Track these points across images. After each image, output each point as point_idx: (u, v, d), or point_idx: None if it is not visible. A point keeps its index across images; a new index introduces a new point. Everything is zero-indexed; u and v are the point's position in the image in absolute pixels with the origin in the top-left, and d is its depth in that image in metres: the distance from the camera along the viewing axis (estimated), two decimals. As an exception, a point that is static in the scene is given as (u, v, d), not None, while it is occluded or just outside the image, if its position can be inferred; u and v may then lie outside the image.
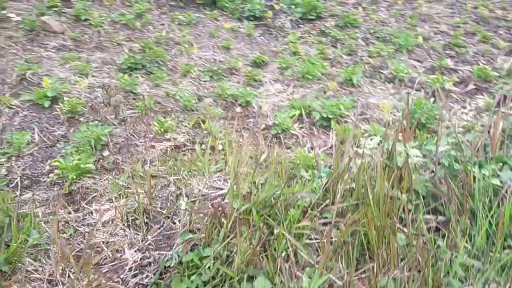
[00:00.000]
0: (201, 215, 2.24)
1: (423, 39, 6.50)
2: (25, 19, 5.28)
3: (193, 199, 2.42)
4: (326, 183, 2.36)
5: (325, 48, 6.06)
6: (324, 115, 3.75)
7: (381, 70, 5.49)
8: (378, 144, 2.54)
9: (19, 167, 2.87)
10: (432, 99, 4.63)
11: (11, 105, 3.49)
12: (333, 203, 2.32)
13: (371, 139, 2.63)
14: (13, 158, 2.93)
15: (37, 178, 2.81)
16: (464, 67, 5.67)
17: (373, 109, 4.52)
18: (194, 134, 3.44)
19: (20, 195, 2.67)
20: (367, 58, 5.84)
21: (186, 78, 4.83)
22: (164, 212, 2.40)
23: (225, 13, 7.19)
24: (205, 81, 4.78)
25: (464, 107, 4.57)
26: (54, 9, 5.85)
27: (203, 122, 3.65)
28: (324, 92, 4.81)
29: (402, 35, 6.36)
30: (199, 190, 2.47)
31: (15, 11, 5.52)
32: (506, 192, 2.23)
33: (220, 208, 2.10)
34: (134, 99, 3.97)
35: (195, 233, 2.18)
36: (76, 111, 3.49)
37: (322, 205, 2.30)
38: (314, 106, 3.96)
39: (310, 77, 4.91)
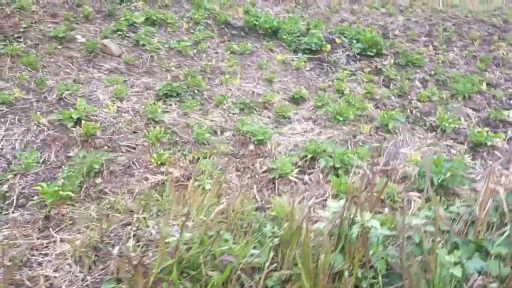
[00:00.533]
0: (127, 265, 2.17)
1: (487, 85, 5.95)
2: (89, 40, 5.77)
3: (139, 243, 2.43)
4: (278, 245, 2.24)
5: (374, 88, 5.81)
6: (331, 163, 3.57)
7: (426, 117, 5.12)
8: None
9: (20, 185, 3.13)
10: (468, 156, 4.20)
11: (39, 123, 3.82)
12: (281, 268, 2.19)
13: (339, 200, 2.45)
14: (18, 176, 3.20)
15: (31, 199, 3.03)
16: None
17: (402, 159, 4.22)
18: (192, 169, 3.47)
19: (13, 212, 2.90)
20: (416, 102, 5.49)
21: (218, 109, 4.92)
22: (114, 252, 2.44)
23: (282, 44, 7.23)
24: (234, 114, 4.83)
25: (508, 168, 4.07)
26: (119, 32, 6.32)
27: (208, 157, 3.68)
28: (354, 136, 4.60)
29: (463, 79, 5.88)
30: (151, 234, 2.48)
31: (82, 32, 6.06)
32: (472, 286, 1.93)
33: (140, 264, 2.02)
34: (154, 127, 4.13)
35: (121, 282, 2.17)
36: (92, 134, 3.72)
37: (268, 269, 2.17)
38: (329, 151, 3.79)
39: (341, 118, 4.73)
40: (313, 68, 6.54)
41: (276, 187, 3.39)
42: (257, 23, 7.63)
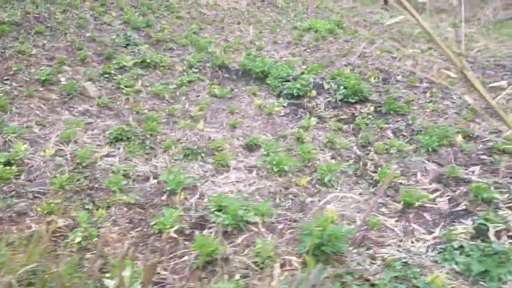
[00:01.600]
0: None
1: (466, 137, 5.57)
2: (69, 83, 6.22)
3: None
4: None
5: (338, 136, 5.67)
6: (221, 220, 3.52)
7: (374, 171, 4.89)
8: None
9: None
10: (396, 217, 3.95)
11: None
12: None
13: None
14: None
15: None
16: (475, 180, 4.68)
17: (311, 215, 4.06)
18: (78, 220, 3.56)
19: None
20: (373, 154, 5.27)
21: (164, 154, 5.06)
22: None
23: (268, 89, 7.29)
24: (177, 160, 4.94)
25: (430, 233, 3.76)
26: (106, 75, 6.76)
27: (106, 208, 3.79)
28: (287, 188, 4.50)
29: (434, 131, 5.56)
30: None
31: (68, 75, 6.54)
32: None
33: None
34: (80, 172, 4.34)
35: None
36: (6, 179, 3.98)
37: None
38: (228, 205, 3.73)
39: (277, 169, 4.66)
40: (288, 113, 6.51)
41: (149, 245, 3.40)
42: (250, 66, 7.79)
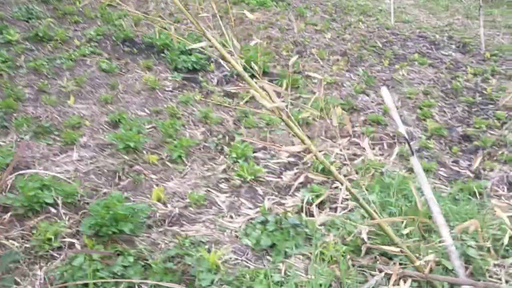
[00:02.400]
0: None
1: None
2: None
3: None
4: None
5: (216, 112, 5.39)
6: None
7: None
8: None
9: None
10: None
11: None
12: None
13: None
14: None
15: None
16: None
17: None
18: None
19: None
20: (243, 129, 5.00)
21: (14, 133, 4.70)
22: None
23: (165, 63, 6.94)
24: (22, 139, 4.60)
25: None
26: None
27: None
28: (131, 166, 4.22)
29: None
30: None
31: None
32: None
33: None
34: None
35: None
36: None
37: None
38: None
39: (122, 146, 4.36)
40: (177, 88, 6.18)
41: None
42: (153, 40, 7.42)
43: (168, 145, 4.57)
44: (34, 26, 7.54)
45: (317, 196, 3.40)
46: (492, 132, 5.33)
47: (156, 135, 4.81)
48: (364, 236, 2.31)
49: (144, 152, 4.48)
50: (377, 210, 2.34)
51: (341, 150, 4.08)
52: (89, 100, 5.63)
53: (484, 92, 6.56)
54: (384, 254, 2.78)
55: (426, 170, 4.14)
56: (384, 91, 3.07)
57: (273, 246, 2.87)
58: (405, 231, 2.60)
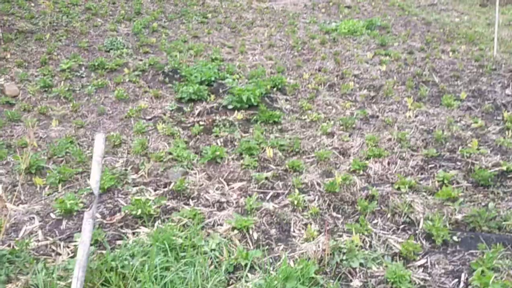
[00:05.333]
0: None
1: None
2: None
3: None
4: None
5: (167, 141, 5.34)
6: None
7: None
8: None
9: None
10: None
11: None
12: None
13: None
14: None
15: None
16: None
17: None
18: None
19: None
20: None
21: None
22: None
23: (172, 92, 7.13)
24: None
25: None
26: (45, 75, 7.61)
27: None
28: None
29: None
30: None
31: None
32: None
33: None
34: None
35: None
36: None
37: None
38: None
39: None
40: (155, 118, 6.32)
41: None
42: (180, 69, 7.77)
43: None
44: (108, 56, 8.76)
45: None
46: None
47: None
48: None
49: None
50: None
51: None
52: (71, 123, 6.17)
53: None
54: None
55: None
56: (98, 137, 2.67)
57: None
58: None
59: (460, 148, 4.85)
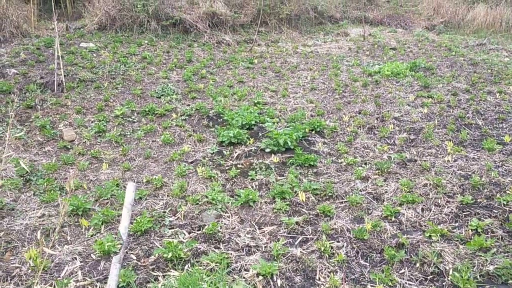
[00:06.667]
0: None
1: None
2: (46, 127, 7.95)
3: None
4: None
5: (202, 185, 5.61)
6: None
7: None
8: None
9: None
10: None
11: None
12: None
13: None
14: None
15: None
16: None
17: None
18: None
19: None
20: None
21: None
22: None
23: (214, 135, 7.46)
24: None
25: None
26: (91, 122, 8.26)
27: None
28: None
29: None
30: None
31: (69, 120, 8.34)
32: None
33: None
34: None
35: None
36: None
37: None
38: None
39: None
40: (196, 161, 6.62)
41: None
42: (223, 114, 8.12)
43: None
44: (159, 102, 9.33)
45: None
46: None
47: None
48: None
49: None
50: None
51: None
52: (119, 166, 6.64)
53: None
54: None
55: None
56: (129, 185, 2.94)
57: None
58: None
59: (497, 195, 4.71)
